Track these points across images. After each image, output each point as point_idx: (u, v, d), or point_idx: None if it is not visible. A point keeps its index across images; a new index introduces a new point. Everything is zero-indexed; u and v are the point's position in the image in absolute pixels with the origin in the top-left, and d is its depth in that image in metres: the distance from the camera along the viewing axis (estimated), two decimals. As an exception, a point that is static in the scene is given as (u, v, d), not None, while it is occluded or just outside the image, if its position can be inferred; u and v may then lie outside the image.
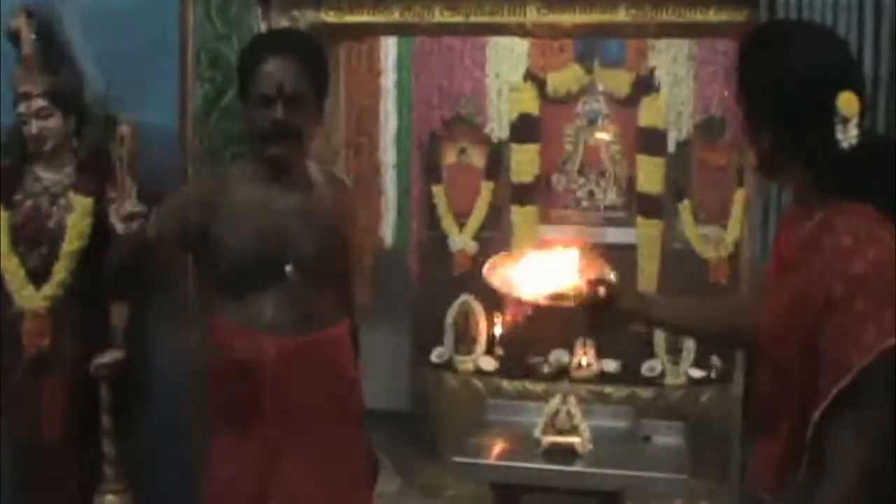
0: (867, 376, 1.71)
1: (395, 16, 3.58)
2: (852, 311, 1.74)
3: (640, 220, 5.90)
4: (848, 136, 1.83)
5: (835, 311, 1.76)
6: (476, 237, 6.10)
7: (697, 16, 3.41)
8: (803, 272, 1.85)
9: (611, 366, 5.76)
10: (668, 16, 3.43)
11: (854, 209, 1.83)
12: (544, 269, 2.34)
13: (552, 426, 3.55)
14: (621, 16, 3.45)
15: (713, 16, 3.40)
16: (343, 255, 2.93)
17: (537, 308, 5.80)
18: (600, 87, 5.91)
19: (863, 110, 1.85)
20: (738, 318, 2.17)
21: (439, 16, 3.55)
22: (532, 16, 3.50)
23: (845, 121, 1.83)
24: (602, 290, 2.22)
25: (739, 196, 5.46)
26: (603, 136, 5.94)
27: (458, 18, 3.55)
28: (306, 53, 2.76)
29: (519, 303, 2.33)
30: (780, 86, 1.89)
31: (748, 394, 3.53)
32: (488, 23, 3.58)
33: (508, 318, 5.96)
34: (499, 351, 5.91)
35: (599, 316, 2.26)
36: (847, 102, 1.83)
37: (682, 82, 5.73)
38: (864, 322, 1.73)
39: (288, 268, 2.73)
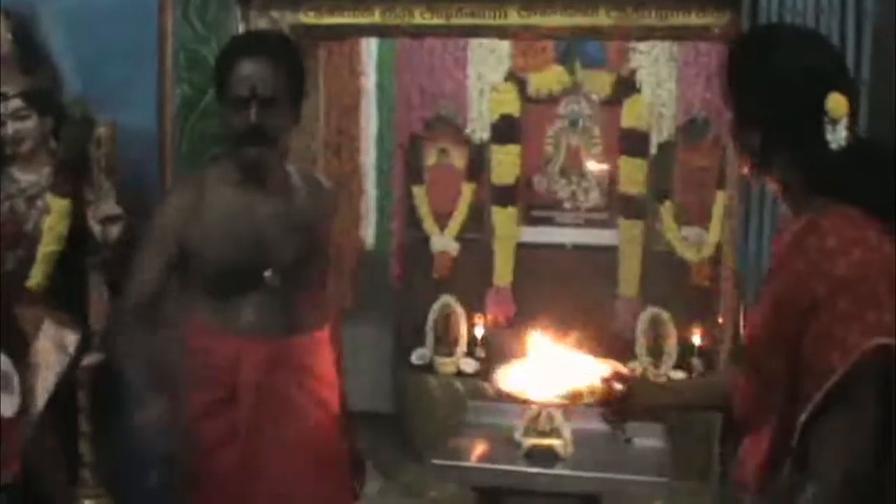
0: (851, 377, 1.70)
1: (376, 17, 3.56)
2: (835, 311, 1.73)
3: (621, 221, 5.90)
4: (837, 137, 1.83)
5: (818, 313, 1.75)
6: (457, 238, 6.09)
7: (679, 19, 3.40)
8: (788, 273, 1.85)
9: (592, 367, 5.75)
10: (649, 19, 3.42)
11: (840, 211, 1.82)
12: (554, 371, 2.36)
13: (533, 428, 3.55)
14: (602, 18, 3.43)
15: (695, 19, 3.39)
16: (324, 258, 2.92)
17: (518, 311, 5.86)
18: (582, 88, 5.90)
19: (853, 112, 1.85)
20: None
21: (420, 18, 3.53)
22: (513, 18, 3.49)
23: (834, 122, 1.83)
24: (618, 386, 2.25)
25: (721, 198, 5.47)
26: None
27: (438, 20, 3.53)
28: (281, 55, 2.73)
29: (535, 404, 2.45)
30: (770, 86, 1.88)
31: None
32: (469, 25, 3.57)
33: (489, 319, 5.96)
34: (480, 353, 5.90)
35: (620, 410, 2.29)
36: (836, 103, 1.82)
37: (664, 83, 5.72)
38: (847, 323, 1.72)
39: (267, 272, 2.72)
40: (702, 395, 2.34)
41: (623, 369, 2.31)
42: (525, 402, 2.39)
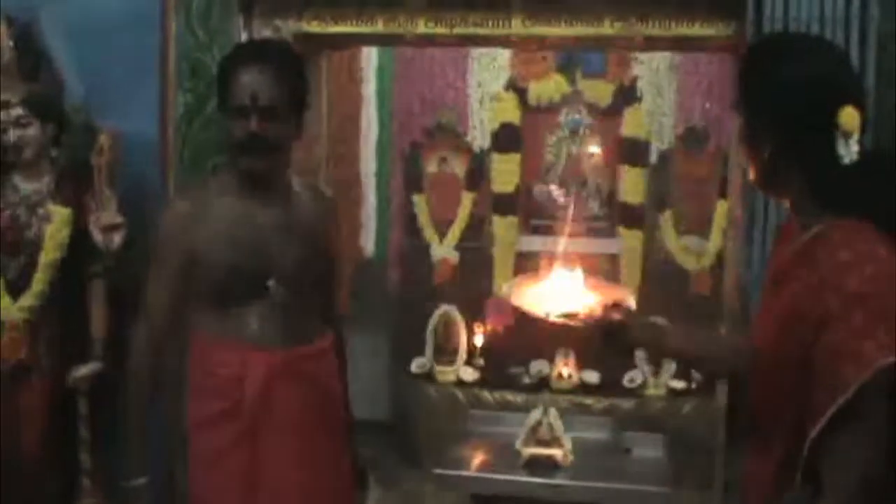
0: (864, 393, 1.70)
1: (379, 26, 3.56)
2: (849, 326, 1.72)
3: (621, 230, 5.90)
4: (849, 151, 1.82)
5: (831, 327, 1.74)
6: (457, 247, 6.09)
7: (683, 29, 3.40)
8: (797, 285, 1.84)
9: (591, 377, 5.74)
10: (653, 29, 3.42)
11: (851, 224, 1.82)
12: (562, 289, 2.34)
13: (533, 438, 3.55)
14: (607, 29, 3.43)
15: (699, 29, 3.39)
16: (326, 268, 2.91)
17: (519, 319, 5.84)
18: (582, 97, 5.91)
19: (864, 125, 1.84)
20: (738, 360, 2.13)
21: (423, 27, 3.53)
22: (517, 28, 3.49)
23: (847, 136, 1.82)
24: (617, 315, 2.20)
25: (721, 207, 5.47)
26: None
27: (442, 30, 3.53)
28: (283, 64, 2.72)
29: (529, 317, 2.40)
30: (782, 97, 1.87)
31: (731, 405, 3.53)
32: (473, 34, 3.57)
33: (489, 328, 5.95)
34: (479, 361, 5.89)
35: (611, 340, 2.23)
36: (849, 117, 1.82)
37: (664, 93, 5.73)
38: (861, 338, 1.71)
39: (270, 282, 2.72)
40: (702, 348, 2.26)
41: (629, 303, 2.28)
42: (526, 314, 2.35)
